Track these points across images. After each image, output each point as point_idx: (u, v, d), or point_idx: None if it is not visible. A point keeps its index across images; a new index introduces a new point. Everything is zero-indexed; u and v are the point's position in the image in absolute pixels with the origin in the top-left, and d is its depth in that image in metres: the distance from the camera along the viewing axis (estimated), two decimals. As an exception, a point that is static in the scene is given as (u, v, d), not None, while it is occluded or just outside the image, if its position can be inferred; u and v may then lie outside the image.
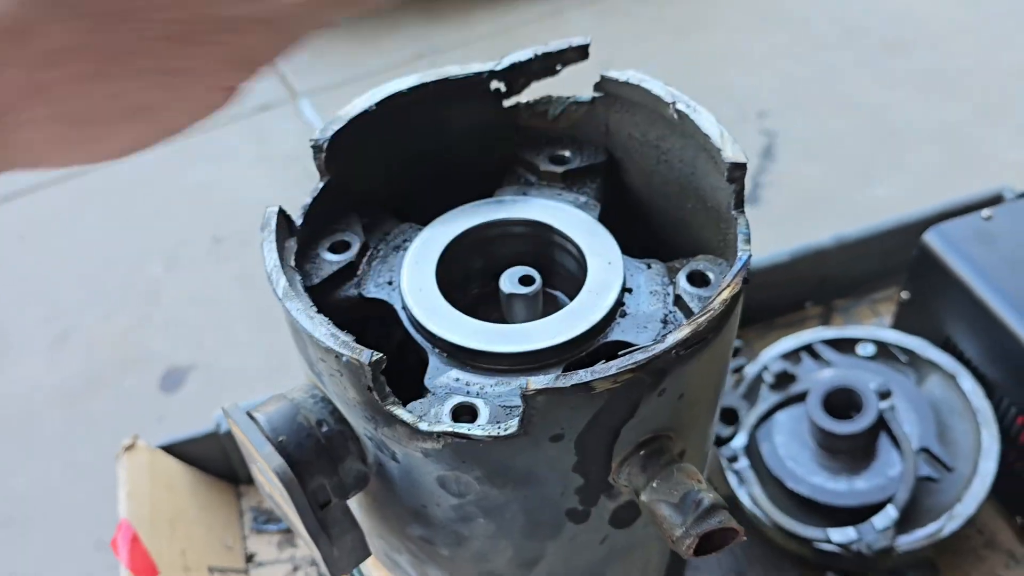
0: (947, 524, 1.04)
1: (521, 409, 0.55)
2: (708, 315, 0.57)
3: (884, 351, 1.21)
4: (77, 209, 2.30)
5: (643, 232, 0.76)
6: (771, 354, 1.21)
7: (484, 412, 0.59)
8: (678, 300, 0.66)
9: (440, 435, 0.56)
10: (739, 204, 0.66)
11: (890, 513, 1.04)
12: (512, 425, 0.55)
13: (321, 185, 0.71)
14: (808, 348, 1.21)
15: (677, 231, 0.75)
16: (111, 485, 1.19)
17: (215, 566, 1.16)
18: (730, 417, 1.16)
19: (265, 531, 1.22)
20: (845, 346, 1.22)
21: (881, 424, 1.10)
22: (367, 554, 0.68)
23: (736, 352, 1.29)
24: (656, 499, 0.58)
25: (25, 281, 2.11)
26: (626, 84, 0.72)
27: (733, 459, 1.13)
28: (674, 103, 0.69)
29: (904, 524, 1.05)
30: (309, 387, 0.65)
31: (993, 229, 1.17)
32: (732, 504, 1.08)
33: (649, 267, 0.70)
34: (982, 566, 1.12)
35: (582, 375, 0.53)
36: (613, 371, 0.54)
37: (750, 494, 1.11)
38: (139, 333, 1.93)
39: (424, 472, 0.60)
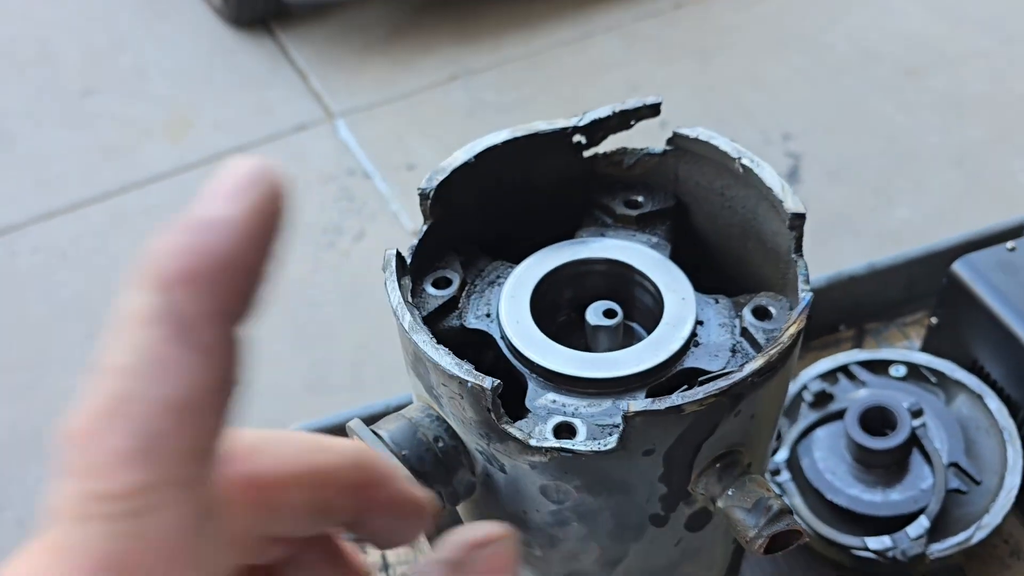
0: (976, 533, 1.13)
1: (617, 426, 0.65)
2: (778, 348, 0.66)
3: (915, 372, 1.30)
4: (116, 226, 2.37)
5: (709, 269, 0.85)
6: (810, 374, 1.30)
7: (582, 430, 0.69)
8: (744, 332, 0.75)
9: (548, 450, 0.66)
10: (798, 248, 0.75)
11: (923, 523, 1.13)
12: (611, 441, 0.65)
13: (426, 228, 0.81)
14: (844, 369, 1.30)
15: (739, 268, 0.85)
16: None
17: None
18: (772, 433, 1.26)
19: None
20: (879, 367, 1.31)
21: (914, 440, 1.18)
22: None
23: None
24: (731, 505, 0.67)
25: (67, 298, 2.17)
26: (696, 140, 0.81)
27: (776, 472, 1.22)
28: (739, 158, 0.78)
29: (935, 533, 1.14)
30: (423, 407, 0.75)
31: (1016, 260, 1.25)
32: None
33: (717, 302, 0.79)
34: (1008, 574, 1.20)
35: (675, 399, 0.63)
36: (700, 396, 0.63)
37: (792, 504, 1.20)
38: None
39: (529, 482, 0.70)
